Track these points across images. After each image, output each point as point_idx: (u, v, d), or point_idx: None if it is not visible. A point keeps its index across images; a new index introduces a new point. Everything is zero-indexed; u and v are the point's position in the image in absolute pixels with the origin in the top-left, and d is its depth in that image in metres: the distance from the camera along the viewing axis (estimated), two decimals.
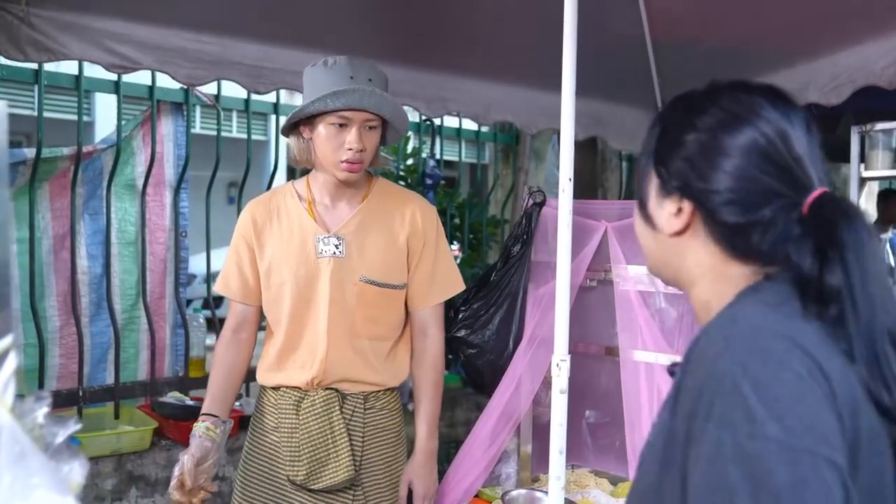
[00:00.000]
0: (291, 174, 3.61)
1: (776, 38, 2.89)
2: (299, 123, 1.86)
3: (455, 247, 4.62)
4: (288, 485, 1.86)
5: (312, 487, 1.83)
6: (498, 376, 2.08)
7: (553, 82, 3.32)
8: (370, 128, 1.81)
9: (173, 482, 1.75)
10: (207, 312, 3.31)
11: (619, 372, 1.95)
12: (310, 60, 2.89)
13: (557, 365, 1.61)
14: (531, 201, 2.18)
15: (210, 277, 3.30)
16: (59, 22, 2.29)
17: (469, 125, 3.91)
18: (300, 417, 1.84)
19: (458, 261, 4.35)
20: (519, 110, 3.27)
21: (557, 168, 3.93)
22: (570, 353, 2.11)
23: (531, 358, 2.05)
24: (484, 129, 4.19)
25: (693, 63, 3.11)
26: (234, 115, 10.60)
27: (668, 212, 0.91)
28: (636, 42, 3.02)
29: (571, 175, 1.68)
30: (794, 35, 2.88)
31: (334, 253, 1.84)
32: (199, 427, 1.81)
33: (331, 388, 1.85)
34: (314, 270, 1.84)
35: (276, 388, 1.90)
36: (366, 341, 1.86)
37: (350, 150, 1.78)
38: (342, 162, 1.78)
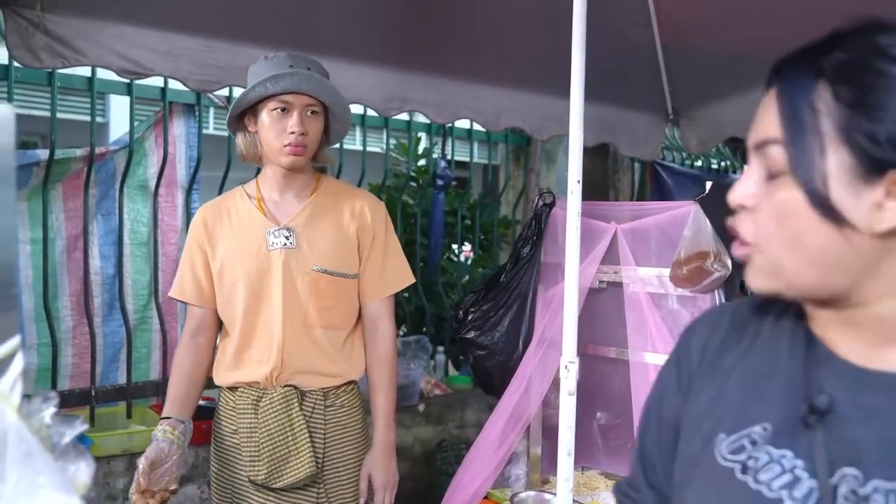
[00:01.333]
0: None
1: (787, 42, 2.88)
2: (244, 117, 1.91)
3: (466, 248, 4.62)
4: (249, 486, 1.89)
5: (274, 486, 1.85)
6: (507, 378, 2.07)
7: (563, 88, 3.31)
8: (312, 113, 1.86)
9: (133, 485, 1.76)
10: None
11: (629, 374, 1.94)
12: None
13: (566, 367, 1.61)
14: (541, 202, 2.18)
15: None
16: (72, 27, 2.32)
17: (480, 126, 3.90)
18: (259, 416, 1.86)
19: (469, 262, 4.36)
20: (529, 116, 3.26)
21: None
22: (579, 354, 2.12)
23: (541, 359, 2.05)
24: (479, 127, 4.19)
25: (703, 68, 3.11)
26: None
27: (872, 201, 0.68)
28: (646, 47, 3.02)
29: (580, 177, 1.68)
30: (806, 39, 2.86)
31: (285, 244, 1.87)
32: (157, 430, 1.83)
33: (289, 385, 1.87)
34: (266, 264, 1.87)
35: (233, 389, 1.93)
36: (321, 331, 1.89)
37: (292, 133, 1.82)
38: (285, 146, 1.82)
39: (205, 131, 3.22)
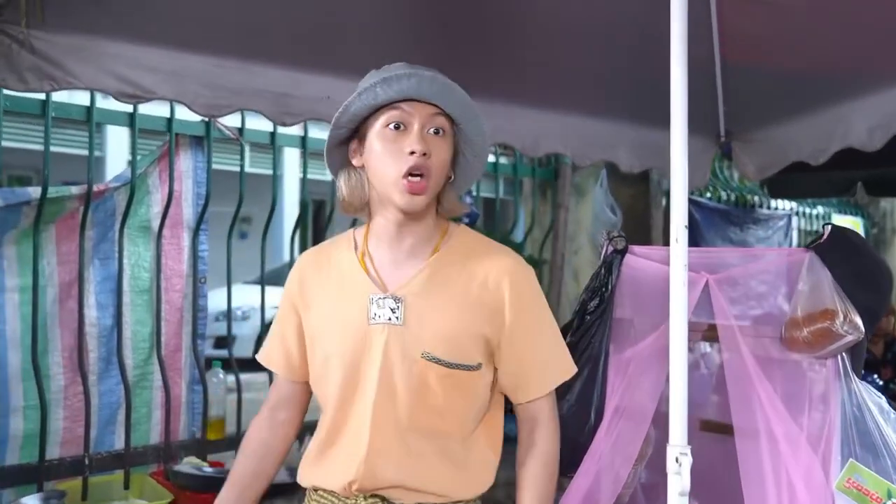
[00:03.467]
0: (304, 211, 3.32)
1: (860, 61, 2.61)
2: (347, 151, 1.46)
3: None
4: None
5: None
6: (578, 455, 1.76)
7: (606, 109, 3.06)
8: (436, 132, 1.38)
9: None
10: (218, 352, 3.01)
11: (730, 451, 1.63)
12: (342, 88, 2.63)
13: (676, 459, 1.30)
14: (611, 248, 1.88)
15: (231, 316, 3.11)
16: (63, 46, 2.04)
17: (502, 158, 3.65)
18: None
19: None
20: (571, 141, 3.00)
21: (608, 206, 3.64)
22: (660, 426, 1.81)
23: (618, 436, 1.74)
24: (504, 160, 3.94)
25: (766, 86, 2.83)
26: (247, 149, 10.53)
27: None
28: (702, 62, 2.75)
29: (686, 221, 1.38)
30: (880, 58, 2.60)
31: (389, 319, 1.40)
32: None
33: (377, 496, 1.42)
34: (364, 342, 1.41)
35: (315, 490, 1.50)
36: (425, 439, 1.41)
37: (412, 153, 1.34)
38: (403, 178, 1.35)
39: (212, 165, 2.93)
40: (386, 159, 1.36)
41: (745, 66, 2.70)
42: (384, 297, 1.41)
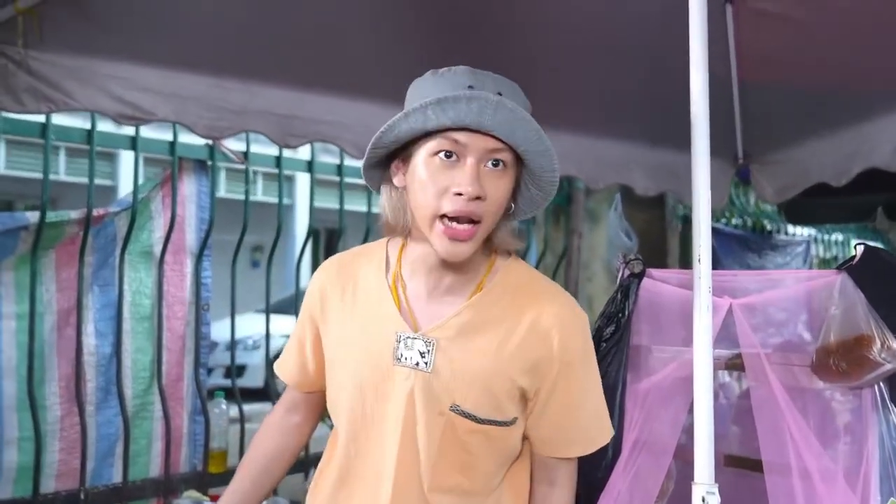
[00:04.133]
0: (316, 241, 3.25)
1: (887, 74, 2.52)
2: (391, 163, 1.25)
3: None
4: None
5: None
6: (595, 492, 1.65)
7: (620, 130, 2.99)
8: (496, 164, 1.16)
9: None
10: (227, 382, 2.92)
11: (758, 488, 1.52)
12: (350, 108, 2.55)
13: (703, 499, 1.19)
14: (627, 271, 1.79)
15: (234, 346, 3.07)
16: (61, 67, 2.01)
17: None
18: None
19: None
20: (584, 163, 2.92)
21: (623, 231, 3.54)
22: (683, 460, 1.70)
23: (637, 470, 1.63)
24: None
25: (779, 107, 2.75)
26: (260, 178, 10.51)
27: None
28: (719, 82, 2.68)
29: (710, 242, 1.29)
30: None
31: (417, 364, 1.22)
32: None
33: None
34: (385, 384, 1.24)
35: None
36: (448, 497, 1.25)
37: (458, 194, 1.13)
38: (441, 219, 1.15)
39: (216, 194, 2.87)
40: (427, 192, 1.15)
41: (764, 84, 2.63)
42: (414, 338, 1.23)
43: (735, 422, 1.86)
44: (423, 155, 1.17)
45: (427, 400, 1.22)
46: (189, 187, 2.75)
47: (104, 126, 2.55)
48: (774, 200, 3.16)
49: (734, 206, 5.47)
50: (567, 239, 3.95)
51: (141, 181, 2.66)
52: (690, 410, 1.52)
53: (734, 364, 1.62)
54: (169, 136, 2.65)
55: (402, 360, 1.23)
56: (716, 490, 1.20)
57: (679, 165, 3.05)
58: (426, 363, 1.22)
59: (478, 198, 1.13)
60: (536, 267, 4.00)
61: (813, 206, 4.45)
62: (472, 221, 1.15)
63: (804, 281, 1.54)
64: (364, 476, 1.28)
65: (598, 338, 1.78)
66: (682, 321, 1.71)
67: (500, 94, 1.14)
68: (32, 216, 2.35)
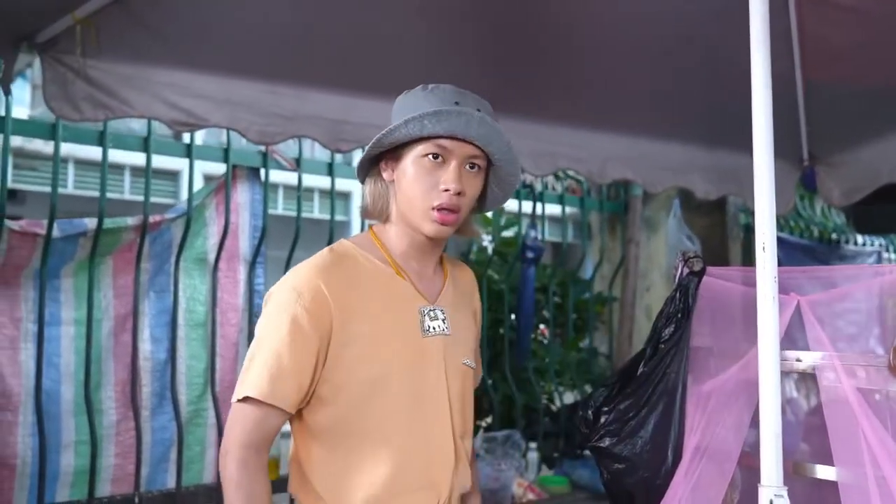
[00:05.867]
0: None
1: None
2: (380, 161, 1.47)
3: (542, 327, 4.12)
4: None
5: None
6: (654, 499, 1.57)
7: (677, 132, 2.89)
8: (472, 167, 1.43)
9: None
10: None
11: (827, 499, 1.42)
12: None
13: (771, 502, 1.11)
14: (686, 270, 1.71)
15: None
16: (118, 75, 2.04)
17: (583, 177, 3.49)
18: None
19: (554, 343, 3.86)
20: (640, 166, 2.84)
21: (685, 235, 3.43)
22: (746, 467, 1.62)
23: (699, 478, 1.54)
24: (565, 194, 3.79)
25: (852, 103, 2.62)
26: (316, 196, 10.59)
27: None
28: (782, 80, 2.58)
29: (773, 231, 1.21)
30: None
31: (444, 330, 1.47)
32: None
33: None
34: (423, 354, 1.43)
35: None
36: (466, 441, 1.51)
37: (446, 190, 1.39)
38: (434, 209, 1.40)
39: (273, 211, 2.87)
40: (418, 187, 1.40)
41: (830, 81, 2.52)
42: (433, 309, 1.47)
43: (804, 439, 1.76)
44: (413, 156, 1.40)
45: (451, 358, 1.47)
46: (243, 195, 2.77)
47: (160, 135, 2.59)
48: (842, 203, 3.02)
49: (801, 216, 5.28)
50: (624, 248, 3.85)
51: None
52: (756, 415, 1.44)
53: (799, 364, 1.53)
54: (223, 140, 2.67)
55: (430, 330, 1.45)
56: (784, 493, 1.12)
57: (740, 168, 2.95)
58: (445, 328, 1.47)
59: (459, 193, 1.40)
60: (593, 277, 3.91)
61: (884, 213, 4.26)
62: (455, 211, 1.41)
63: (876, 276, 1.45)
64: (420, 450, 1.42)
65: (656, 339, 1.70)
66: (744, 320, 1.62)
67: (479, 110, 1.40)
68: (91, 222, 2.40)
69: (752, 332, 1.47)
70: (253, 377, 1.34)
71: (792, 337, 1.54)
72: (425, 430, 1.42)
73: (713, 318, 1.68)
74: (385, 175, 1.46)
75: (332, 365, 1.37)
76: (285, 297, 1.37)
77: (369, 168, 1.49)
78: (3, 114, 2.22)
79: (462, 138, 1.38)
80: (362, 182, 1.51)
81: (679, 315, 1.69)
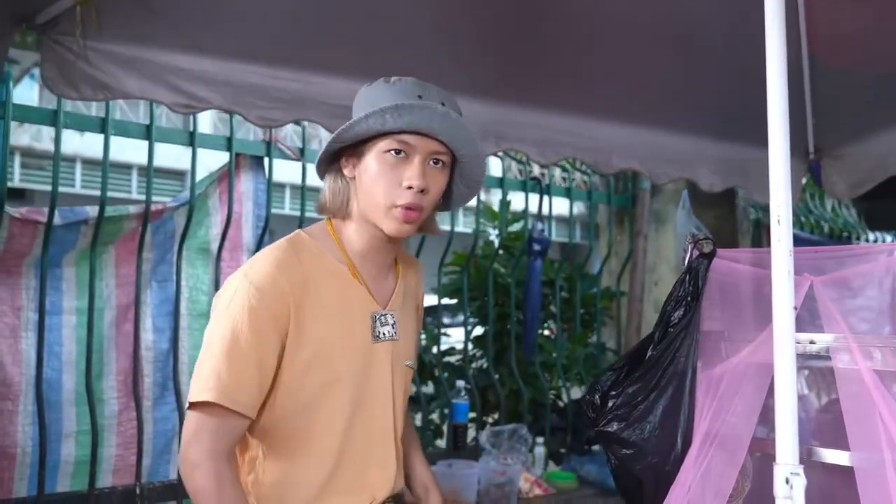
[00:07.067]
0: None
1: None
2: (340, 157, 1.42)
3: (551, 325, 4.08)
4: None
5: None
6: (663, 486, 1.53)
7: (683, 123, 2.85)
8: (436, 163, 1.39)
9: None
10: None
11: (842, 484, 1.38)
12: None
13: (787, 480, 1.07)
14: (696, 252, 1.67)
15: None
16: (119, 57, 2.01)
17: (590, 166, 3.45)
18: None
19: (561, 338, 3.81)
20: (646, 157, 2.80)
21: (694, 227, 3.37)
22: (760, 454, 1.58)
23: (709, 464, 1.50)
24: (572, 189, 3.74)
25: (859, 93, 2.57)
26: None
27: None
28: (790, 71, 2.54)
29: (788, 203, 1.17)
30: None
31: (392, 335, 1.47)
32: None
33: None
34: (371, 358, 1.44)
35: None
36: (400, 441, 1.54)
37: (409, 187, 1.35)
38: (397, 207, 1.35)
39: (279, 210, 2.85)
40: (380, 184, 1.36)
41: (836, 69, 2.47)
42: (385, 314, 1.46)
43: (815, 436, 1.71)
44: (375, 152, 1.36)
45: (397, 362, 1.48)
46: (246, 184, 2.75)
47: (161, 124, 2.56)
48: (847, 196, 2.96)
49: (811, 212, 5.23)
50: (632, 242, 3.80)
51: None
52: (768, 398, 1.40)
53: (812, 346, 1.49)
54: (226, 130, 2.65)
55: (381, 336, 1.44)
56: (800, 471, 1.08)
57: (745, 160, 2.90)
58: (395, 333, 1.47)
59: (423, 190, 1.36)
60: (600, 271, 3.87)
61: None
62: (418, 209, 1.37)
63: (889, 254, 1.40)
64: (370, 447, 1.43)
65: (665, 322, 1.66)
66: (756, 302, 1.59)
67: (443, 104, 1.35)
68: (92, 210, 2.37)
69: (763, 315, 1.43)
70: (217, 380, 1.26)
71: (804, 320, 1.49)
72: (367, 434, 1.42)
73: (724, 300, 1.64)
74: (346, 171, 1.42)
75: (284, 366, 1.32)
76: (246, 294, 1.30)
77: (329, 163, 1.45)
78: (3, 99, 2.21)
79: (425, 133, 1.34)
80: (322, 178, 1.47)
81: (689, 298, 1.65)
